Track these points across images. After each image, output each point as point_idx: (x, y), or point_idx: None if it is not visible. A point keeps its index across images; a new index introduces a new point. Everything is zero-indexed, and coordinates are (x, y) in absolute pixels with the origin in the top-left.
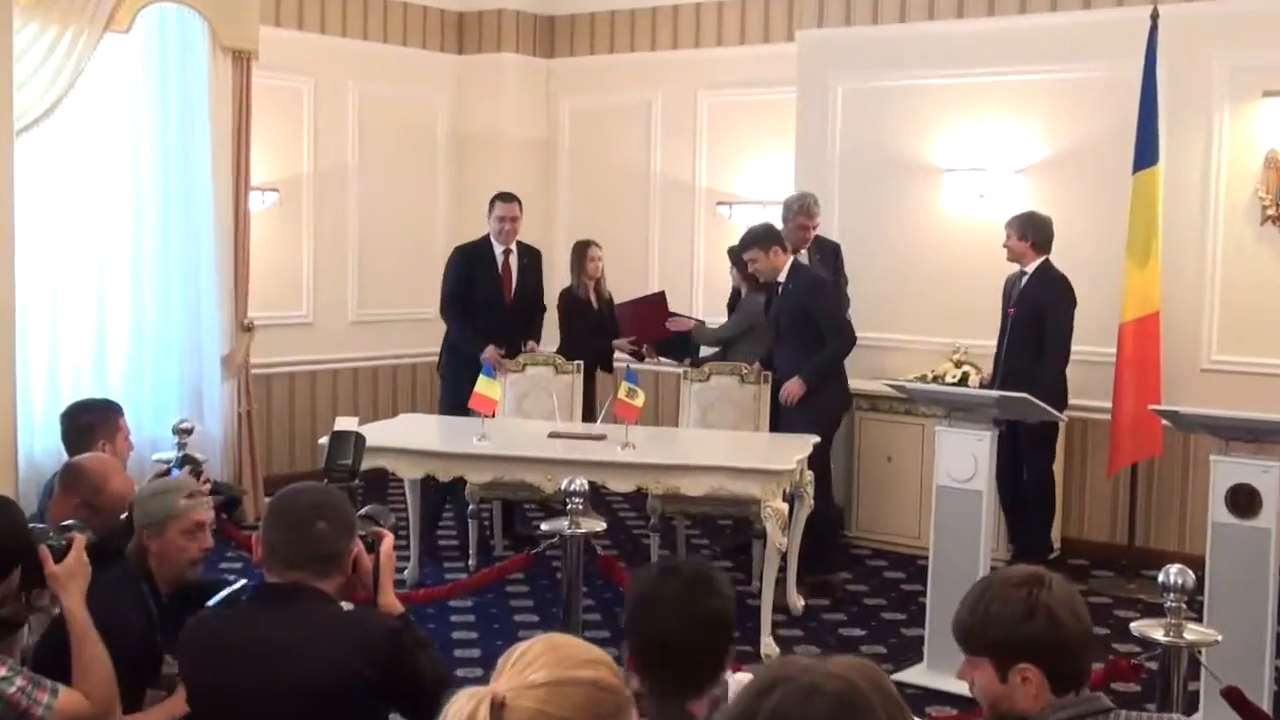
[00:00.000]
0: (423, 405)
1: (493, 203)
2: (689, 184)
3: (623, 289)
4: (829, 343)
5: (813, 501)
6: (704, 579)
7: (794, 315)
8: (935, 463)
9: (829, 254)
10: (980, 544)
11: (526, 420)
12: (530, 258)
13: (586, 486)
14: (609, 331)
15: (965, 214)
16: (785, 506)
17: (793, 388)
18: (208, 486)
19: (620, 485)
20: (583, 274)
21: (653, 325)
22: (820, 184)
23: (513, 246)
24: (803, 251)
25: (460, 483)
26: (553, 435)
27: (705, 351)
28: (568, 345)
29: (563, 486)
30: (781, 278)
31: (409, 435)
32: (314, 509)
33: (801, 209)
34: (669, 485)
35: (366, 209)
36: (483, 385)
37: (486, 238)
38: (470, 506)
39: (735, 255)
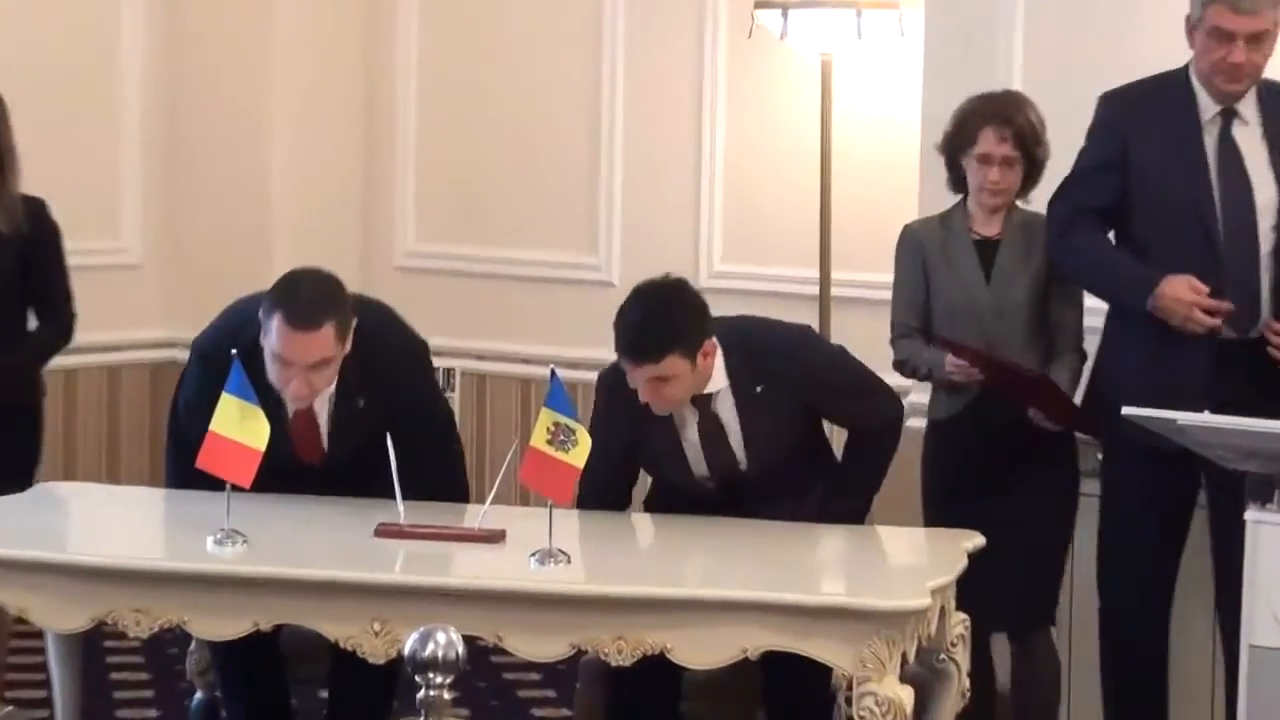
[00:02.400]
0: (108, 465)
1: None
2: None
3: (541, 222)
4: None
5: (966, 683)
6: None
7: None
8: (1247, 593)
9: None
10: None
11: (330, 500)
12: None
13: (461, 648)
14: None
15: None
16: (905, 695)
17: None
18: None
19: (537, 646)
20: None
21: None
22: None
23: None
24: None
25: (171, 637)
26: (385, 531)
27: None
28: None
29: (408, 649)
30: None
31: (60, 533)
32: None
33: None
34: (643, 644)
35: None
36: (228, 417)
37: None
38: (198, 697)
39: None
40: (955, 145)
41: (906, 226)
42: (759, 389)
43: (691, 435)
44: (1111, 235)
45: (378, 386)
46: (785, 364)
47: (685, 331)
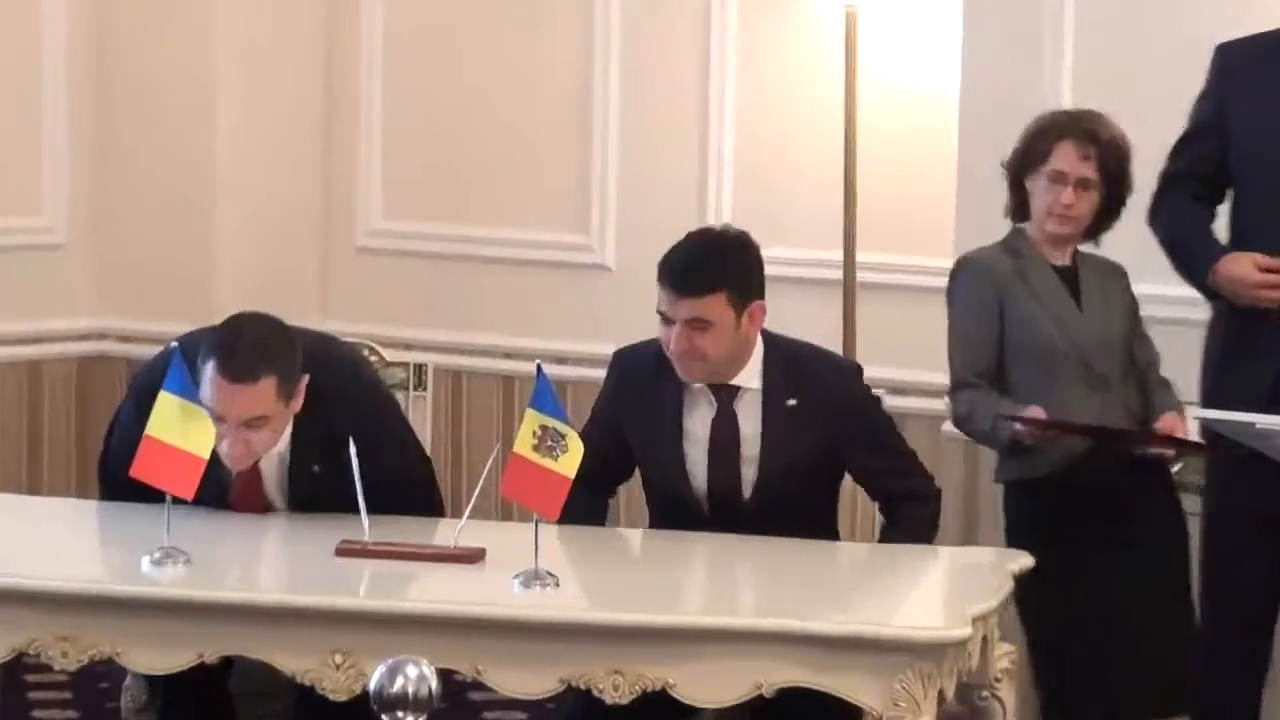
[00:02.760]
0: (29, 473)
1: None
2: None
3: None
4: None
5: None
6: None
7: None
8: None
9: None
10: None
11: (285, 515)
12: None
13: (435, 683)
14: None
15: None
16: None
17: None
18: None
19: (522, 681)
20: None
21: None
22: None
23: None
24: None
25: (103, 670)
26: (347, 550)
27: None
28: None
29: (373, 684)
30: None
31: None
32: None
33: None
34: (643, 678)
35: None
36: (167, 419)
37: None
38: None
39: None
40: (1024, 163)
41: (967, 256)
42: (792, 402)
43: (701, 433)
44: (1227, 206)
45: (339, 452)
46: (825, 387)
47: (738, 274)
